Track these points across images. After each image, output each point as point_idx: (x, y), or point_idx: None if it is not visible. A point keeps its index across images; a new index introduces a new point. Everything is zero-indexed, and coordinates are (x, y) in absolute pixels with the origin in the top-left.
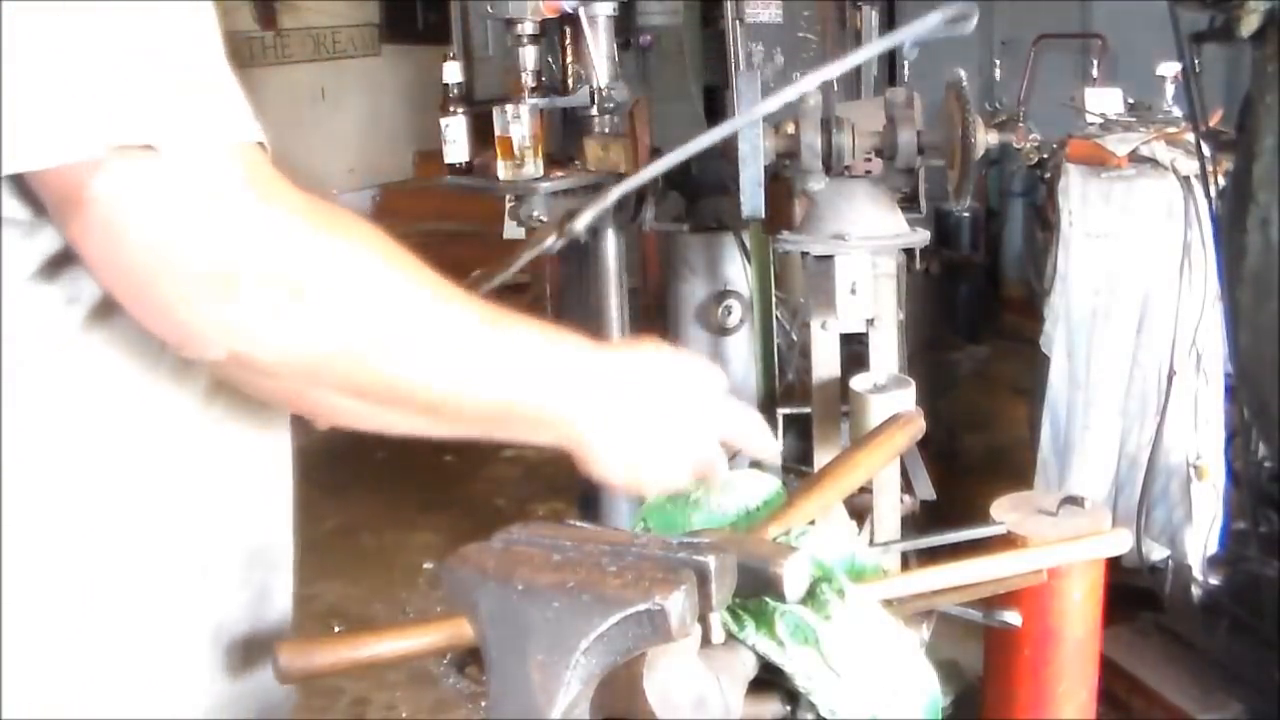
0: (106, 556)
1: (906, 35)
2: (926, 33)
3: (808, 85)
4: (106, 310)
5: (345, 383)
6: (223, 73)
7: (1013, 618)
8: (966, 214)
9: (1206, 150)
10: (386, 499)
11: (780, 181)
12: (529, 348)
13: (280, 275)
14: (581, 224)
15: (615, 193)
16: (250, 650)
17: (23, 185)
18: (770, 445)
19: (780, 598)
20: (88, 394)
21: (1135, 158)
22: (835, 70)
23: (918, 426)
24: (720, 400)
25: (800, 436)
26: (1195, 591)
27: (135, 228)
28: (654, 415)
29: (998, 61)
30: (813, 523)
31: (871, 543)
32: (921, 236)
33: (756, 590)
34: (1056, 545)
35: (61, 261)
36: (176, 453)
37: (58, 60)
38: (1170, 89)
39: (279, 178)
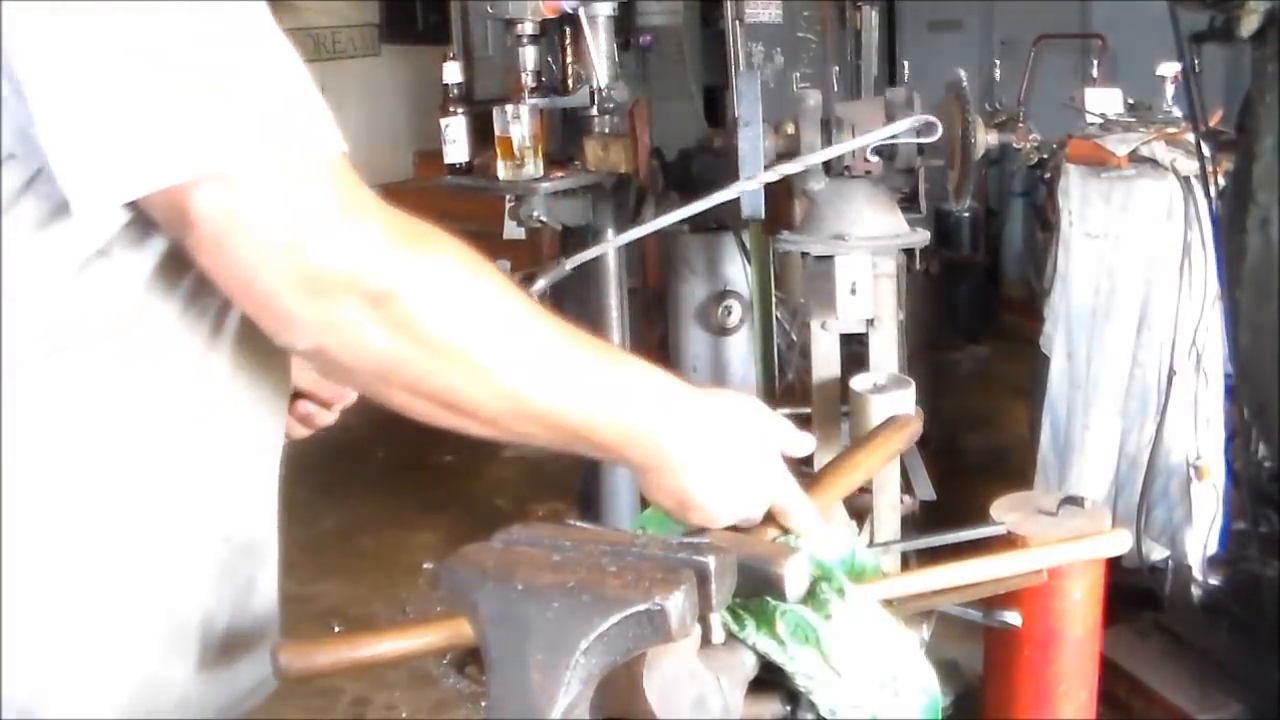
0: (104, 544)
1: (875, 138)
2: (894, 135)
3: (813, 160)
4: (140, 299)
5: (415, 388)
6: (305, 86)
7: (1013, 618)
8: (966, 214)
9: (1206, 150)
10: (386, 499)
11: (780, 181)
12: (610, 369)
13: (358, 284)
14: (539, 287)
15: (573, 262)
16: (233, 642)
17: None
18: (814, 532)
19: (781, 597)
20: (90, 395)
21: (1135, 158)
22: (831, 154)
23: (915, 428)
24: (780, 465)
25: None
26: (1195, 591)
27: (233, 240)
28: (725, 456)
29: (998, 61)
30: None
31: (871, 543)
32: (921, 236)
33: (757, 590)
34: (1056, 545)
35: (108, 250)
36: (178, 443)
37: (150, 91)
38: (1170, 89)
39: (361, 187)
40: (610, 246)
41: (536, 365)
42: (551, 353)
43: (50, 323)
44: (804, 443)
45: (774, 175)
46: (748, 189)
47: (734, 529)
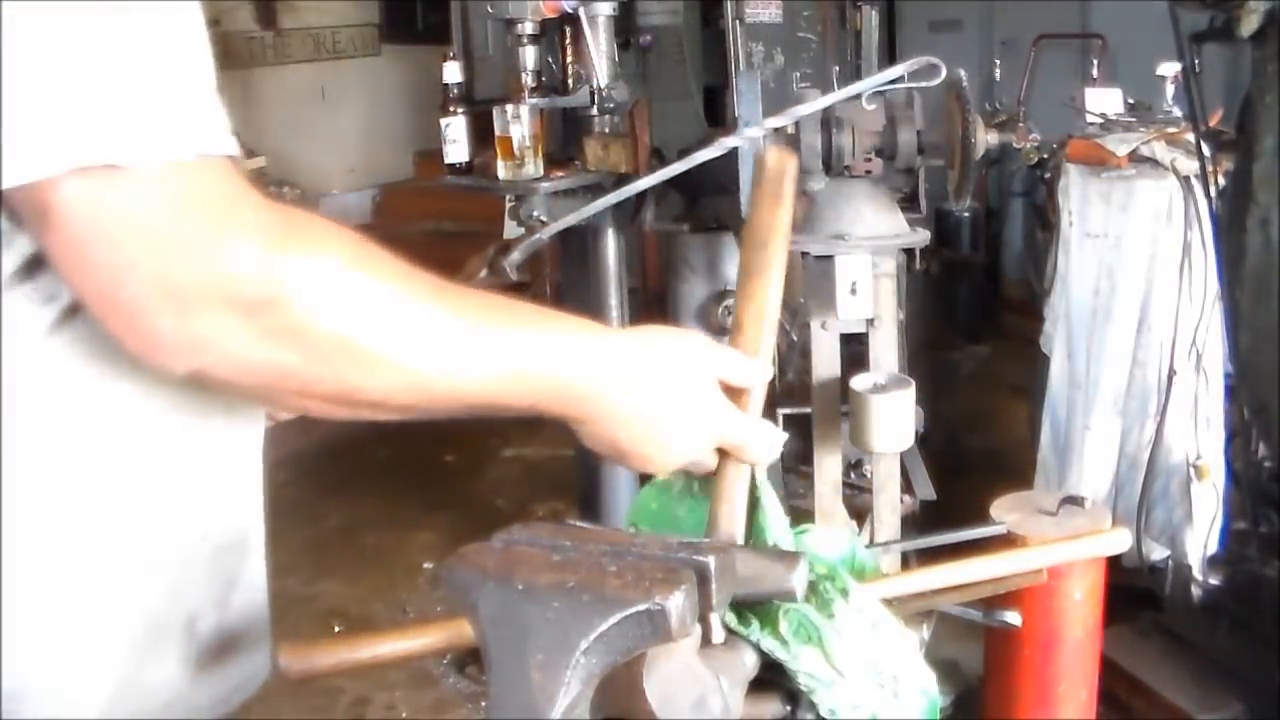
0: (78, 547)
1: (872, 83)
2: (891, 80)
3: (805, 110)
4: (81, 309)
5: (309, 391)
6: (196, 84)
7: (1013, 618)
8: (966, 214)
9: (1206, 150)
10: (386, 499)
11: None
12: (519, 331)
13: (232, 296)
14: (514, 260)
15: (550, 230)
16: (221, 639)
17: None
18: (769, 454)
19: (789, 597)
20: (61, 389)
21: (1135, 158)
22: (820, 104)
23: (787, 159)
24: (721, 401)
25: (800, 436)
26: (1195, 591)
27: (96, 245)
28: (655, 398)
29: (998, 61)
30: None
31: (871, 543)
32: (921, 236)
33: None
34: (1056, 545)
35: (36, 264)
36: (149, 445)
37: (22, 76)
38: (1170, 89)
39: (242, 194)
40: (583, 216)
41: (436, 348)
42: (451, 331)
43: (10, 326)
44: (752, 370)
45: (767, 126)
46: (742, 143)
47: (688, 474)
